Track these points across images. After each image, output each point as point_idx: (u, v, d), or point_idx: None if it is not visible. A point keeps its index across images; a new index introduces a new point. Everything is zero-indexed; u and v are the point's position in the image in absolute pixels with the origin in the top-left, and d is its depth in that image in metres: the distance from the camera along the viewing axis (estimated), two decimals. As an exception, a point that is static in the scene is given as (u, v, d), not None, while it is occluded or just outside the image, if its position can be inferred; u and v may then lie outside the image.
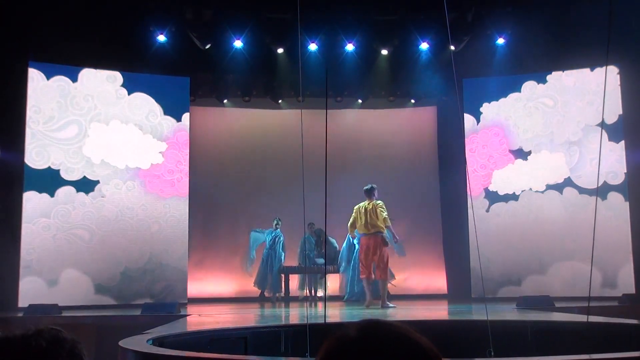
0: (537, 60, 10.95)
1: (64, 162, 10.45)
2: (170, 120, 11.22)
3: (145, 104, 11.09)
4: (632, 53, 10.02)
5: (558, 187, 11.08)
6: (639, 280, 10.20)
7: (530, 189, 11.27)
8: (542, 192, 11.17)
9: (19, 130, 10.07)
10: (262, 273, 11.15)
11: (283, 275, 11.14)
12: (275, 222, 11.23)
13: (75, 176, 10.48)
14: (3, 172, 9.92)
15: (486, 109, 11.50)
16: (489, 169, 11.45)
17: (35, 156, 10.24)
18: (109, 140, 10.84)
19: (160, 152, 11.22)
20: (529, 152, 11.34)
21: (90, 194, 10.53)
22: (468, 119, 11.50)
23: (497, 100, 11.46)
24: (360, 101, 12.62)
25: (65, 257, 10.24)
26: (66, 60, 10.42)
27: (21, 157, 10.06)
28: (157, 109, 11.15)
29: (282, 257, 11.14)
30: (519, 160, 11.37)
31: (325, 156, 3.85)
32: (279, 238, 11.17)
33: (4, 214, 9.82)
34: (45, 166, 10.29)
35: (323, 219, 4.11)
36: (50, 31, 9.87)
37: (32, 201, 10.11)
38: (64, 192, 10.37)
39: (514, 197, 11.30)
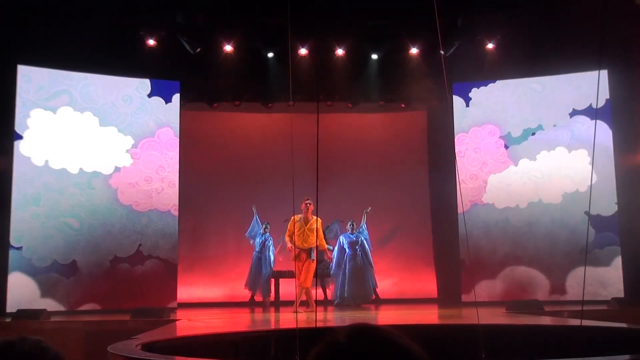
0: (527, 64, 10.98)
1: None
2: (159, 101, 11.05)
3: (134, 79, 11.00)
4: (622, 57, 10.14)
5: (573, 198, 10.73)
6: (627, 284, 10.25)
7: (541, 200, 10.94)
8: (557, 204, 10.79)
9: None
10: (253, 276, 11.09)
11: (273, 280, 11.06)
12: (264, 226, 11.17)
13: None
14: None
15: (475, 94, 11.48)
16: (481, 180, 11.27)
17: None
18: (55, 135, 10.28)
19: (127, 151, 10.73)
20: (529, 151, 11.07)
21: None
22: (457, 101, 11.43)
23: (485, 86, 11.44)
24: (350, 105, 12.62)
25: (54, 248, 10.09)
26: (56, 64, 10.37)
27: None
28: (147, 83, 11.00)
29: (272, 261, 11.07)
30: (524, 161, 11.12)
31: (317, 165, 3.85)
32: (269, 242, 11.11)
33: None
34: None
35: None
36: (39, 36, 9.82)
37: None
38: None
39: (517, 210, 11.04)
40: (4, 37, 9.73)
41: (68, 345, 7.40)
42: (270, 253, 11.04)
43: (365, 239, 10.97)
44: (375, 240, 11.55)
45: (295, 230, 9.37)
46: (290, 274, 11.01)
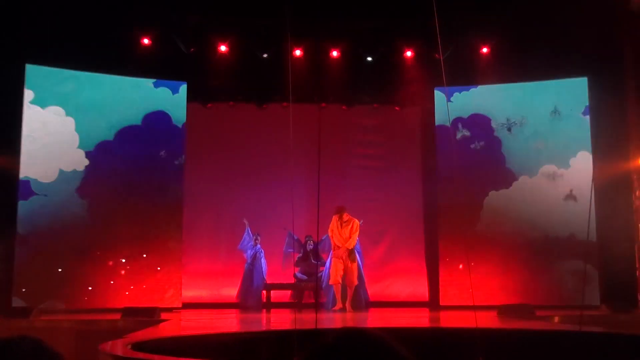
0: (521, 69, 11.02)
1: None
2: (164, 91, 10.96)
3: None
4: (601, 64, 10.21)
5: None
6: (603, 290, 10.25)
7: (573, 234, 10.51)
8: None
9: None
10: (245, 288, 11.01)
11: (265, 292, 10.95)
12: (254, 237, 11.09)
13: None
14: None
15: (457, 98, 11.42)
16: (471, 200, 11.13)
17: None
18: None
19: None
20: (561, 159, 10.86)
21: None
22: (439, 94, 11.40)
23: (467, 90, 11.39)
24: (344, 107, 12.62)
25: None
26: (58, 63, 10.34)
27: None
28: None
29: (264, 273, 10.98)
30: (549, 167, 10.89)
31: (318, 172, 3.86)
32: (260, 253, 11.02)
33: None
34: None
35: (306, 228, 4.11)
36: (42, 35, 9.82)
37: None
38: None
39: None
40: (11, 37, 9.72)
41: (58, 344, 7.35)
42: (262, 264, 10.97)
43: (358, 252, 10.75)
44: (368, 245, 11.57)
45: (336, 230, 10.32)
46: (281, 286, 10.98)
